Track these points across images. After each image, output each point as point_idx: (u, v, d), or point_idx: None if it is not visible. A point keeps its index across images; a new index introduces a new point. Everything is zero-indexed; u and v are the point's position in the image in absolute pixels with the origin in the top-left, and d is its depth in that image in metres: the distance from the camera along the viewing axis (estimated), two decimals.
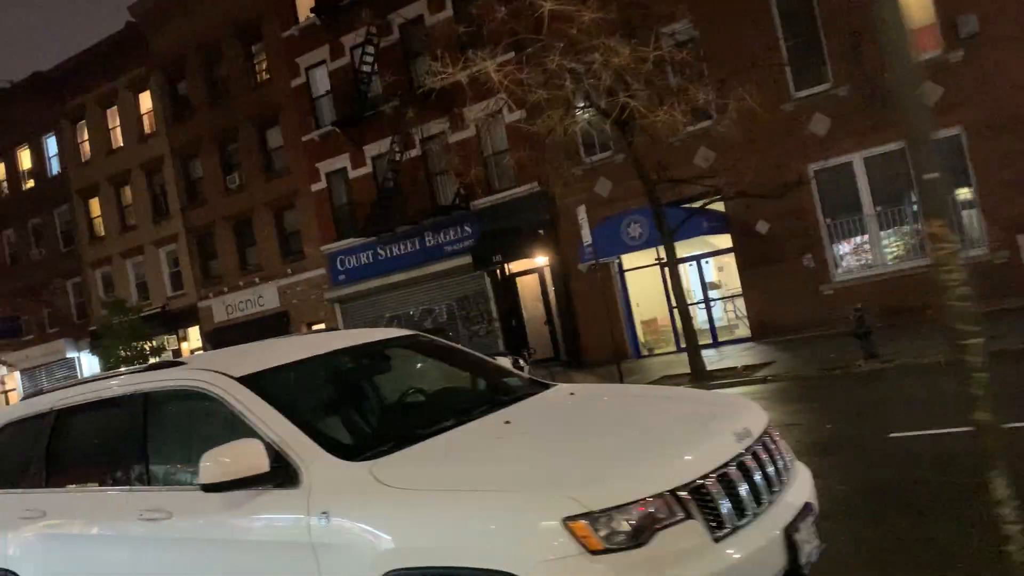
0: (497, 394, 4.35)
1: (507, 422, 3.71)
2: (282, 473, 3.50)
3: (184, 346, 30.54)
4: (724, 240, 20.40)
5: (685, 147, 19.39)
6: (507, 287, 23.34)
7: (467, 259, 23.23)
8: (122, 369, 4.45)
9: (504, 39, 15.63)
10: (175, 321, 30.19)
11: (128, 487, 4.09)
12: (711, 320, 20.96)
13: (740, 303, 20.75)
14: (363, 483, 3.32)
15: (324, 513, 3.33)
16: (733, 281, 21.49)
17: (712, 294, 21.52)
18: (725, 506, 3.07)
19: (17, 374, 35.52)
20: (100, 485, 4.29)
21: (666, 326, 22.36)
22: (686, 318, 15.12)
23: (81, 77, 32.02)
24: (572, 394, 4.24)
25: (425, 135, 24.07)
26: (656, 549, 2.85)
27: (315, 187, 26.85)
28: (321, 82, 26.39)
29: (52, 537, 4.33)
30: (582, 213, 16.34)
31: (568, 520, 2.83)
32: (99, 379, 4.63)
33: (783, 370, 14.31)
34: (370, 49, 24.47)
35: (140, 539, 3.93)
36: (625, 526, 2.85)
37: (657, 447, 3.26)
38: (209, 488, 3.47)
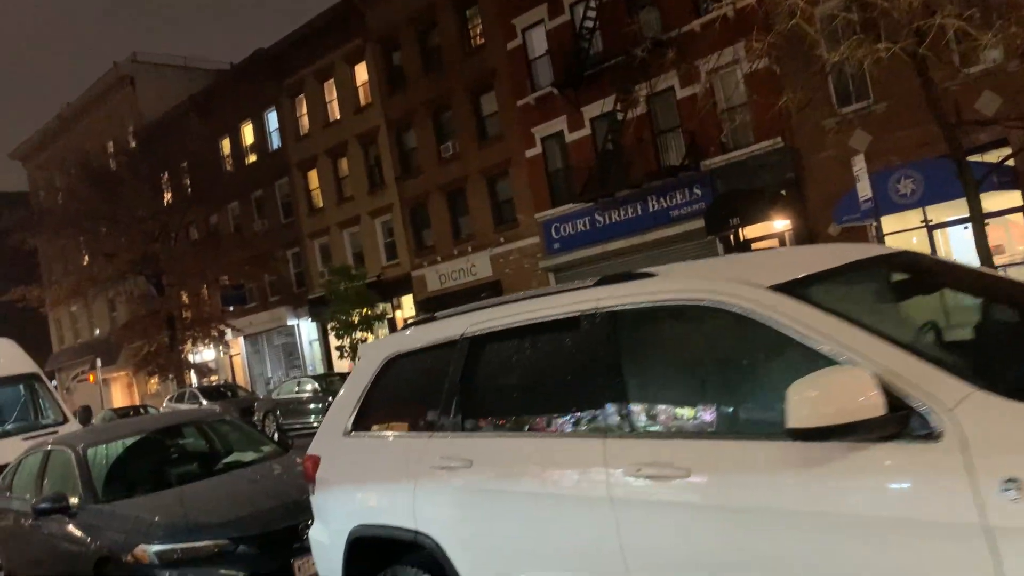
0: None
1: None
2: (901, 419, 2.34)
3: (398, 314, 30.93)
4: (1008, 199, 17.73)
5: (963, 92, 16.94)
6: (741, 253, 21.59)
7: (695, 224, 21.73)
8: (556, 287, 3.42)
9: None
10: (389, 290, 30.55)
11: (601, 433, 3.07)
12: None
13: None
14: None
15: (1010, 481, 2.13)
16: (1014, 247, 18.73)
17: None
18: None
19: (241, 339, 37.51)
20: (546, 429, 3.32)
21: None
22: None
23: (300, 52, 32.97)
24: None
25: (651, 91, 22.63)
26: None
27: (530, 153, 26.12)
28: (538, 43, 25.55)
29: (486, 494, 3.41)
30: (860, 163, 14.40)
31: None
32: (526, 299, 3.66)
33: None
34: (592, 3, 23.29)
35: (631, 503, 2.91)
36: None
37: None
38: (802, 435, 2.37)
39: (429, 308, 29.37)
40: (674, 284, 3.05)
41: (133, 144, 38.64)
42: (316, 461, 4.32)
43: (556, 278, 25.78)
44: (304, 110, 34.11)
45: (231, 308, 35.94)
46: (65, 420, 11.37)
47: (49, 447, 7.24)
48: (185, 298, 34.71)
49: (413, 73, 29.41)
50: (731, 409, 2.81)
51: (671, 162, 22.56)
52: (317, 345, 34.68)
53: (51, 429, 10.92)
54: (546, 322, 3.40)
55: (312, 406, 22.28)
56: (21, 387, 12.03)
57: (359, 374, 4.31)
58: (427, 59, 29.01)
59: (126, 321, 35.20)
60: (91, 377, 38.21)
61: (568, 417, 3.24)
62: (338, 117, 32.62)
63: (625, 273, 3.31)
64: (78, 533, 6.11)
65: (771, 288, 2.78)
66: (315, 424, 21.76)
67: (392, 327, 30.89)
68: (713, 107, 21.75)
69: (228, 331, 34.46)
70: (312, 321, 34.13)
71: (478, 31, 27.58)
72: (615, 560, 2.97)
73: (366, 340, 28.73)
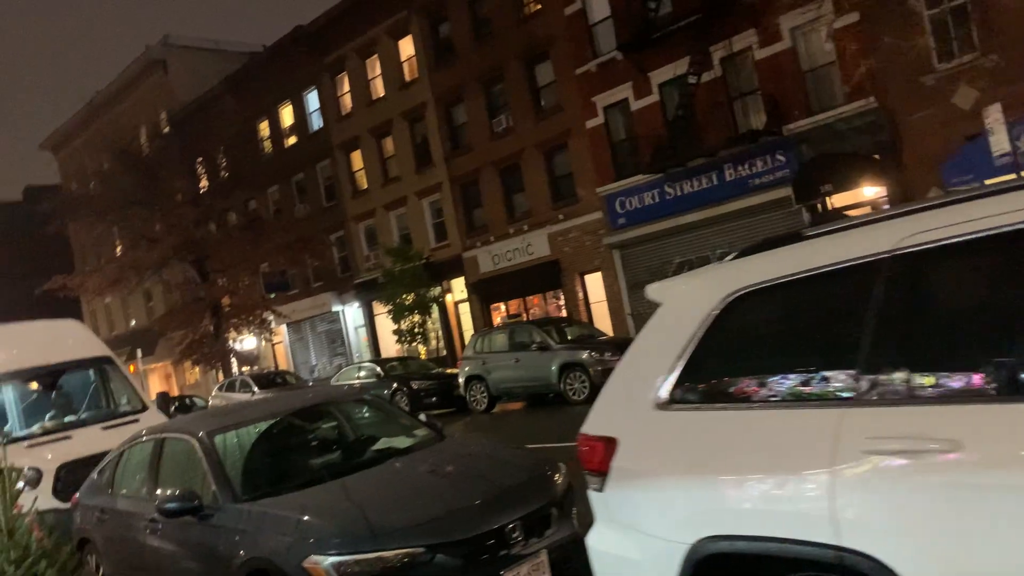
0: None
1: None
2: None
3: (448, 298, 29.76)
4: None
5: None
6: None
7: (780, 192, 20.31)
8: None
9: None
10: (438, 272, 29.32)
11: None
12: None
13: None
14: None
15: None
16: None
17: None
18: None
19: (284, 326, 36.49)
20: None
21: None
22: None
23: (341, 28, 31.74)
24: None
25: (728, 53, 21.22)
26: None
27: (590, 123, 24.76)
28: (599, 6, 24.14)
29: (1005, 494, 2.17)
30: (995, 113, 12.96)
31: None
32: None
33: None
34: None
35: None
36: None
37: None
38: None
39: (482, 291, 28.22)
40: None
41: (167, 129, 37.66)
42: (611, 445, 3.10)
43: (621, 255, 24.53)
44: (346, 88, 32.88)
45: (273, 295, 34.91)
46: (144, 408, 10.27)
47: (163, 435, 6.09)
48: (227, 285, 33.69)
49: (462, 45, 28.11)
50: None
51: (749, 128, 21.14)
52: (363, 331, 33.60)
53: (131, 418, 9.86)
54: None
55: (374, 392, 21.06)
56: (91, 372, 10.96)
57: (676, 323, 3.06)
58: (477, 29, 27.67)
59: (169, 310, 34.28)
60: (132, 368, 37.37)
61: None
62: (382, 94, 31.36)
63: None
64: (218, 539, 4.95)
65: None
66: None
67: (443, 311, 29.75)
68: (797, 67, 20.42)
69: (272, 318, 33.41)
70: (359, 307, 33.05)
71: None
72: None
73: (424, 323, 27.61)
